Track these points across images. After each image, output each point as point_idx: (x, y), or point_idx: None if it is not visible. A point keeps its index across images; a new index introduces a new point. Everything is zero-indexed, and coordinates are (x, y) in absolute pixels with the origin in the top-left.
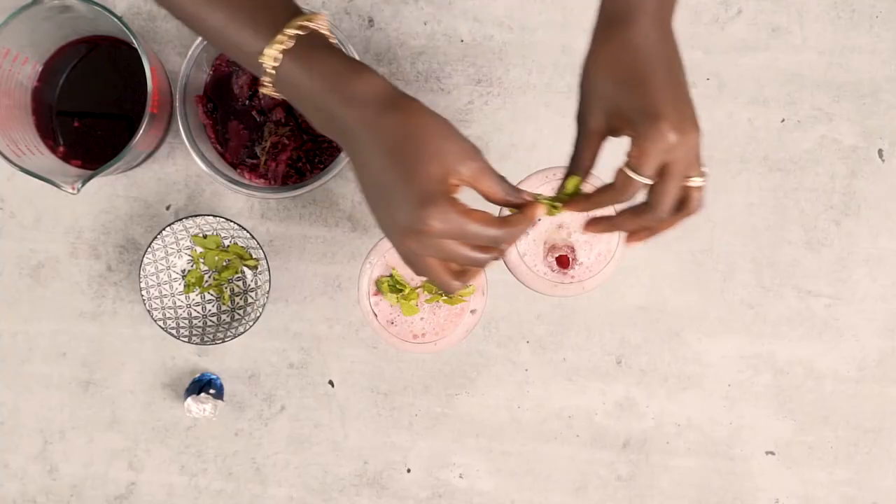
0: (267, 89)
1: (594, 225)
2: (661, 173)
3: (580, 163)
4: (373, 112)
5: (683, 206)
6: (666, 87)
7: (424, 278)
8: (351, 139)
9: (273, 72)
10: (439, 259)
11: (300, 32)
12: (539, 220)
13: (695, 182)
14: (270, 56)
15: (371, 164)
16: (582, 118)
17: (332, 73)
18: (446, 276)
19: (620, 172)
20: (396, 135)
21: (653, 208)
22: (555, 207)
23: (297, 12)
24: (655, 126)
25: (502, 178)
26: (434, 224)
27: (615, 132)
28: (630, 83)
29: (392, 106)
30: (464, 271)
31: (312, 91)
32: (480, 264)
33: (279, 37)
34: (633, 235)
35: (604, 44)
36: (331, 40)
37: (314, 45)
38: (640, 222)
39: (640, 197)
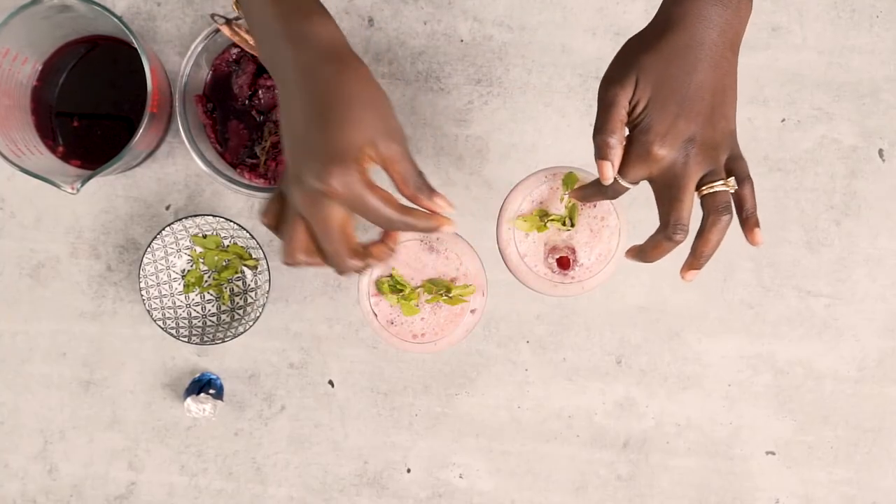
0: (237, 7)
1: (630, 253)
2: (655, 187)
3: (610, 136)
4: (315, 58)
5: (706, 224)
6: (676, 104)
7: (426, 278)
8: (285, 77)
9: None
10: (310, 228)
11: None
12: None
13: (716, 187)
14: None
15: (294, 108)
16: (610, 86)
17: (291, 8)
18: (299, 249)
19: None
20: (330, 88)
21: (660, 227)
22: (564, 225)
23: None
24: (644, 135)
25: (420, 173)
26: (335, 185)
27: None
28: (656, 86)
29: (338, 59)
30: (315, 258)
31: (266, 20)
32: (339, 264)
33: None
34: (684, 268)
35: (660, 38)
36: None
37: None
38: (659, 244)
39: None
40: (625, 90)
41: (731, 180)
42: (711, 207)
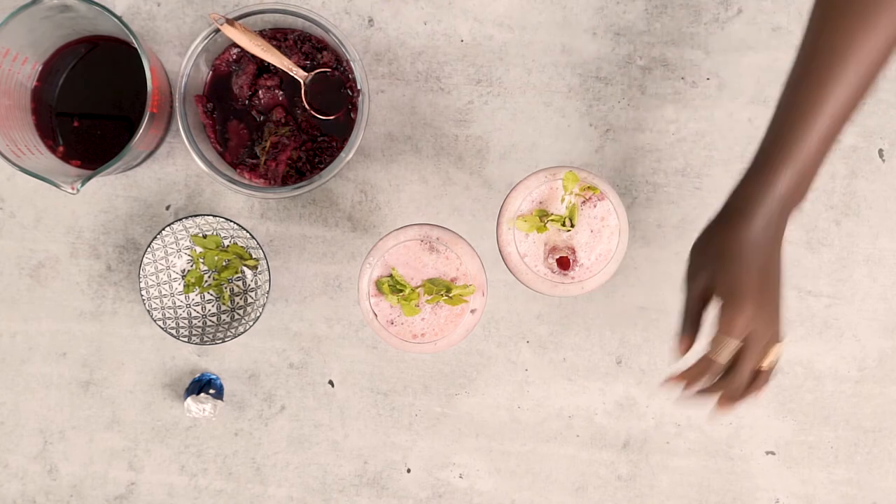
0: None
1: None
2: (744, 342)
3: (689, 324)
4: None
5: (756, 380)
6: (754, 276)
7: (426, 278)
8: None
9: None
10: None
11: None
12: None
13: (768, 363)
14: None
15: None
16: (689, 283)
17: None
18: None
19: (714, 338)
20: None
21: (734, 374)
22: (564, 225)
23: None
24: (740, 301)
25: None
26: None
27: (711, 299)
28: (728, 266)
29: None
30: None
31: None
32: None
33: None
34: (720, 405)
35: (722, 231)
36: None
37: None
38: (720, 386)
39: None
40: (702, 281)
41: (779, 354)
42: (759, 377)
